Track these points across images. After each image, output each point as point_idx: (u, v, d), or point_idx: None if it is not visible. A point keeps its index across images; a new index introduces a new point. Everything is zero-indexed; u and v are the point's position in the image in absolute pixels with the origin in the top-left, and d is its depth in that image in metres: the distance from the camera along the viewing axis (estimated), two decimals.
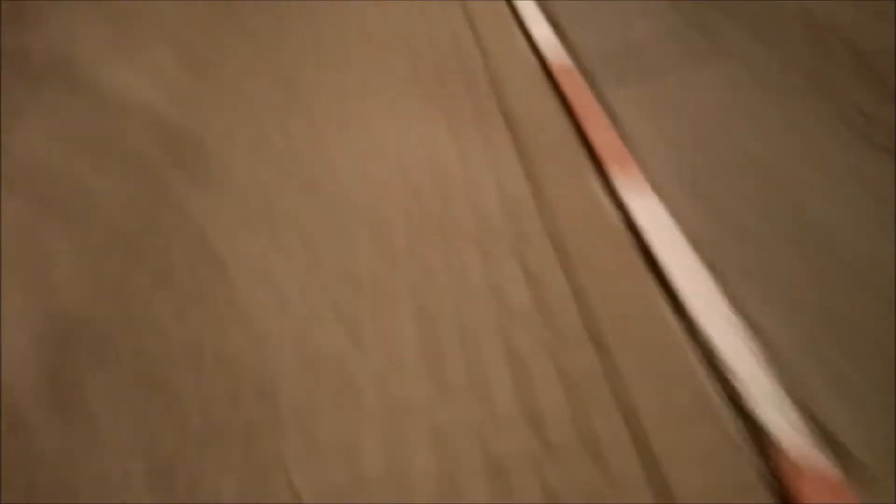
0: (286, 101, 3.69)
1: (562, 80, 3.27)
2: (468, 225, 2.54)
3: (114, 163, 3.24)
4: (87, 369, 2.18)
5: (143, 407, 2.04)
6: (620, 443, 1.78)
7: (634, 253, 2.38)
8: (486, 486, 1.71)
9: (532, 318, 2.13)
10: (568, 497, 1.67)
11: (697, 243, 2.46)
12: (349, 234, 2.60)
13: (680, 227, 2.51)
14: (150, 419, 2.00)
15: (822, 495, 1.64)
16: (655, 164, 2.92)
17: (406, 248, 2.47)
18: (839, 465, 1.75)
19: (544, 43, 3.68)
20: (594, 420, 1.86)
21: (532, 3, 4.27)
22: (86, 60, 4.27)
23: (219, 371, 2.12)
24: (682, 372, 1.97)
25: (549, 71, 3.44)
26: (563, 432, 1.83)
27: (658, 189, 2.75)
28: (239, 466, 1.83)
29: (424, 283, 2.34)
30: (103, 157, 3.32)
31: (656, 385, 1.92)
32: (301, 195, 2.90)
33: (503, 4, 4.33)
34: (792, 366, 2.05)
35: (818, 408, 1.91)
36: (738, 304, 2.26)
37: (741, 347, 2.06)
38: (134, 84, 3.97)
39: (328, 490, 1.75)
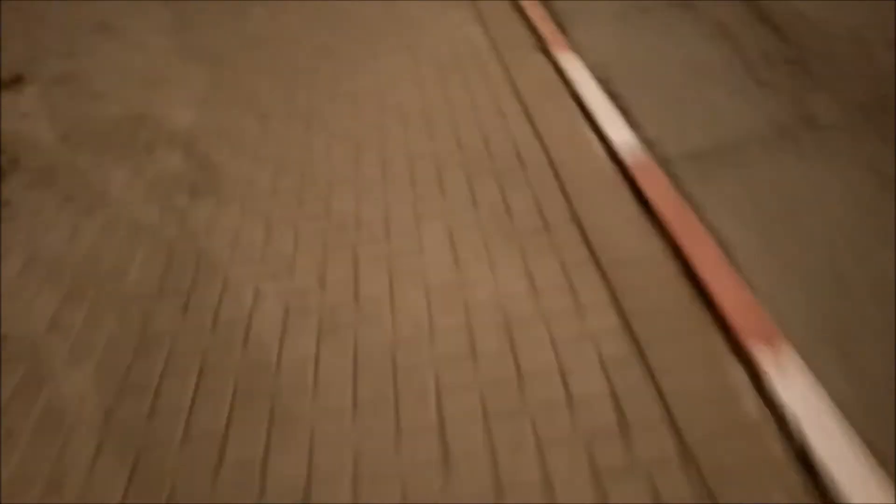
0: (324, 232, 3.14)
1: (648, 188, 2.68)
2: (559, 413, 1.95)
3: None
4: None
5: None
6: None
7: (782, 449, 1.80)
8: None
9: None
10: None
11: (853, 419, 1.89)
12: (406, 422, 2.03)
13: (826, 395, 1.94)
14: None
15: None
16: (774, 295, 2.35)
17: (484, 458, 1.88)
18: None
19: (619, 141, 3.06)
20: None
21: (600, 94, 3.53)
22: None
23: None
24: None
25: (627, 173, 2.84)
26: None
27: (782, 327, 2.18)
28: None
29: None
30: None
31: None
32: (346, 356, 2.33)
33: (566, 96, 3.58)
34: None
35: None
36: None
37: None
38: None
39: None
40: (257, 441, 2.01)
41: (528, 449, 1.87)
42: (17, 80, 4.52)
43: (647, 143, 3.13)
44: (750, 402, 1.91)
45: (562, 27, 4.23)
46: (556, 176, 2.94)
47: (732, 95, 3.49)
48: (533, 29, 4.16)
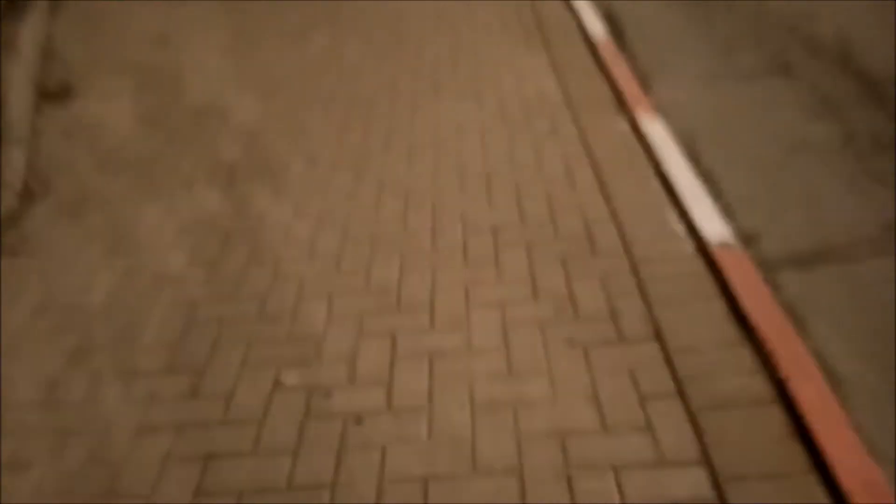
0: (361, 309, 2.82)
1: (747, 301, 2.25)
2: None
3: None
4: None
5: None
6: None
7: None
8: None
9: None
10: None
11: None
12: None
13: None
14: None
15: None
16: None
17: None
18: None
19: (710, 232, 2.60)
20: None
21: (687, 169, 3.04)
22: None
23: None
24: None
25: (719, 273, 2.40)
26: None
27: None
28: None
29: None
30: None
31: None
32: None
33: (649, 169, 3.08)
34: None
35: None
36: None
37: None
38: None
39: None
40: None
41: None
42: (65, 92, 4.35)
43: (743, 236, 2.69)
44: None
45: (646, 86, 3.82)
46: (634, 269, 2.53)
47: (839, 184, 3.02)
48: (614, 86, 3.76)
